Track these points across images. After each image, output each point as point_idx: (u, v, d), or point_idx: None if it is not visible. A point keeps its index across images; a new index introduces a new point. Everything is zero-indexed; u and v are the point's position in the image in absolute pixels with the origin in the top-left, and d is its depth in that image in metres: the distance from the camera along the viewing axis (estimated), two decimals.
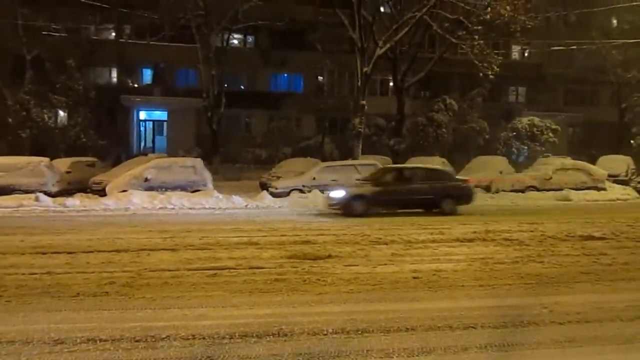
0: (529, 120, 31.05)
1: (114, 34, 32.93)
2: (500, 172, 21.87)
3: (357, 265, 7.64)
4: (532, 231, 11.19)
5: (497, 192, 20.20)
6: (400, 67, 26.48)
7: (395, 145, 26.68)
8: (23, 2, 26.69)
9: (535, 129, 30.71)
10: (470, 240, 9.94)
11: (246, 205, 16.57)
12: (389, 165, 20.00)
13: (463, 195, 15.52)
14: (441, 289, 6.36)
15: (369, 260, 8.08)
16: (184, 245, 9.17)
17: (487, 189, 20.56)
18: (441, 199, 15.06)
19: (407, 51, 26.24)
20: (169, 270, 7.23)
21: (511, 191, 20.21)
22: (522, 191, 20.18)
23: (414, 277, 6.92)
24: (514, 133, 31.01)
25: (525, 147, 31.07)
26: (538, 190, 20.20)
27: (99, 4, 25.29)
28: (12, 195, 16.06)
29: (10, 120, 25.71)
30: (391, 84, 30.80)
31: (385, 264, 7.77)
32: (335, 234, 10.78)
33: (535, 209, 16.92)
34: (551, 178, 20.56)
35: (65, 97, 27.38)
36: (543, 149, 30.01)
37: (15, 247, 8.91)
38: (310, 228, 11.74)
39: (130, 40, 31.94)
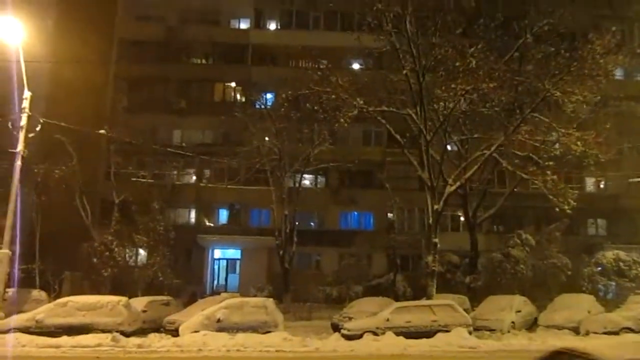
0: (613, 255, 29.33)
1: (194, 177, 35.22)
2: (589, 312, 20.27)
3: None
4: None
5: (587, 335, 18.56)
6: (472, 202, 26.34)
7: (472, 283, 25.70)
8: (116, 151, 29.49)
9: (622, 264, 28.87)
10: None
11: (317, 348, 16.05)
12: None
13: None
14: None
15: None
16: None
17: (575, 330, 19.00)
18: None
19: (477, 187, 26.22)
20: None
21: (603, 333, 18.49)
22: (617, 333, 18.42)
23: None
24: (599, 268, 29.24)
25: (613, 284, 29.02)
26: (635, 332, 18.40)
27: (182, 152, 27.49)
28: (91, 335, 16.41)
29: (95, 260, 27.11)
30: (462, 219, 30.50)
31: None
32: None
33: None
34: None
35: (147, 237, 28.77)
36: (633, 285, 27.91)
37: None
38: None
39: (209, 184, 33.99)
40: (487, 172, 26.01)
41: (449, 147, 26.68)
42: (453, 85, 19.70)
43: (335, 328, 18.82)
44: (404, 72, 21.07)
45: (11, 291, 21.53)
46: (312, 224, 35.03)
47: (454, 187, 22.86)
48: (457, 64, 19.95)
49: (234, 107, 30.34)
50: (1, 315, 17.36)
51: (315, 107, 21.36)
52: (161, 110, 34.60)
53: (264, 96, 34.14)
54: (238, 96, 36.99)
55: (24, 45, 18.17)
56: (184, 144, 34.35)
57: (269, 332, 17.15)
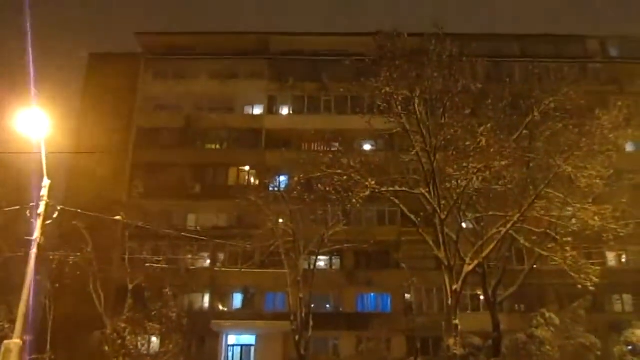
0: None
1: (208, 261, 35.04)
2: None
3: None
4: None
5: None
6: (491, 281, 25.73)
7: None
8: (131, 236, 29.60)
9: None
10: None
11: None
12: None
13: None
14: None
15: None
16: None
17: None
18: None
19: (495, 265, 25.71)
20: None
21: None
22: None
23: None
24: (630, 347, 27.98)
25: None
26: None
27: (196, 236, 27.55)
28: None
29: (106, 348, 26.53)
30: (482, 298, 29.69)
31: None
32: None
33: None
34: None
35: (160, 324, 28.24)
36: None
37: None
38: None
39: (223, 268, 33.77)
40: (504, 249, 25.55)
41: (464, 225, 26.42)
42: (465, 164, 19.82)
43: None
44: (415, 151, 21.32)
45: None
46: (328, 306, 34.31)
47: (472, 266, 22.39)
48: (468, 143, 20.19)
49: (248, 191, 30.63)
50: None
51: (328, 189, 21.48)
52: (176, 195, 35.12)
53: (278, 179, 34.59)
54: (252, 179, 37.58)
55: (46, 135, 18.81)
56: (198, 228, 34.50)
57: None
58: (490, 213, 23.80)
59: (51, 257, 25.78)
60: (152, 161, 35.88)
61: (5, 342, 18.55)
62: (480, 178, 20.42)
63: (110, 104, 36.42)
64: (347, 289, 33.31)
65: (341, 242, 29.84)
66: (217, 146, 39.12)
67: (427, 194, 21.80)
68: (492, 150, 19.76)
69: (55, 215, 19.57)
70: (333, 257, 34.95)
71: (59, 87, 28.93)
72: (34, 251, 18.67)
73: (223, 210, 35.62)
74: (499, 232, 22.31)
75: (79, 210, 22.07)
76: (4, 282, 24.82)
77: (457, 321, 21.51)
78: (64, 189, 31.37)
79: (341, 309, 33.78)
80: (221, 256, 34.93)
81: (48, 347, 26.91)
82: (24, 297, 18.04)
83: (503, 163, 19.66)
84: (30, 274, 18.53)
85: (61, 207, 20.02)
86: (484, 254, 22.79)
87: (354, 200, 20.84)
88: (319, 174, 21.96)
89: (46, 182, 19.46)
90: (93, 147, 32.79)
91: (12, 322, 18.94)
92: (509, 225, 21.81)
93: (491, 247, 22.84)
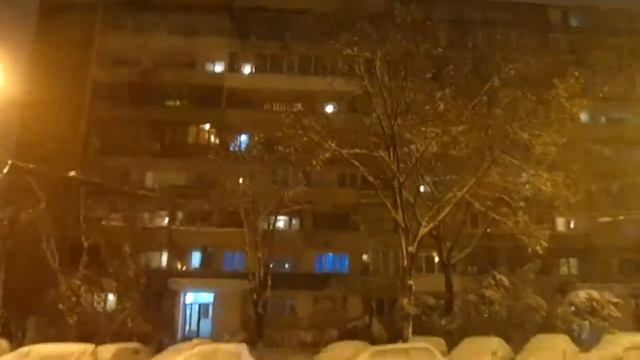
0: (586, 294, 29.50)
1: (167, 220, 34.68)
2: (565, 353, 20.21)
3: None
4: None
5: None
6: (445, 244, 26.44)
7: (447, 326, 25.51)
8: (87, 194, 28.90)
9: (594, 303, 29.01)
10: None
11: None
12: None
13: None
14: None
15: None
16: None
17: None
18: None
19: (450, 229, 26.37)
20: None
21: None
22: None
23: None
24: (573, 308, 29.32)
25: (587, 323, 29.06)
26: None
27: (154, 194, 27.14)
28: None
29: (60, 306, 26.21)
30: (437, 260, 30.53)
31: None
32: None
33: None
34: (622, 359, 18.80)
35: (116, 282, 28.02)
36: (607, 324, 28.02)
37: None
38: None
39: (181, 227, 33.53)
40: (460, 213, 26.22)
41: (422, 189, 26.92)
42: (423, 129, 20.07)
43: None
44: (375, 115, 21.41)
45: None
46: (286, 266, 34.62)
47: (427, 229, 22.97)
48: (427, 107, 20.39)
49: (208, 150, 30.19)
50: None
51: (288, 150, 21.44)
52: (134, 152, 34.29)
53: (239, 138, 34.24)
54: (212, 138, 37.00)
55: None
56: (156, 186, 33.98)
57: None
58: (448, 177, 24.31)
59: (2, 215, 25.08)
60: (109, 117, 34.77)
61: None
62: (438, 143, 20.74)
63: (64, 56, 34.82)
64: (305, 250, 33.59)
65: (301, 203, 29.95)
66: (177, 103, 38.23)
67: (386, 158, 22.04)
68: (450, 115, 20.02)
69: (5, 170, 19.00)
70: (292, 218, 35.09)
71: (7, 36, 27.50)
72: None
73: (182, 168, 35.07)
74: (455, 196, 22.85)
75: (32, 166, 21.46)
76: None
77: (411, 282, 22.20)
78: (15, 143, 30.21)
79: (299, 269, 34.16)
80: (180, 215, 34.60)
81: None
82: None
83: (460, 128, 19.98)
84: None
85: (11, 161, 19.45)
86: (440, 217, 23.37)
87: (315, 162, 20.92)
88: (279, 134, 21.87)
89: None
90: (47, 99, 31.62)
91: None
92: (465, 189, 22.34)
93: (447, 210, 23.42)
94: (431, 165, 24.28)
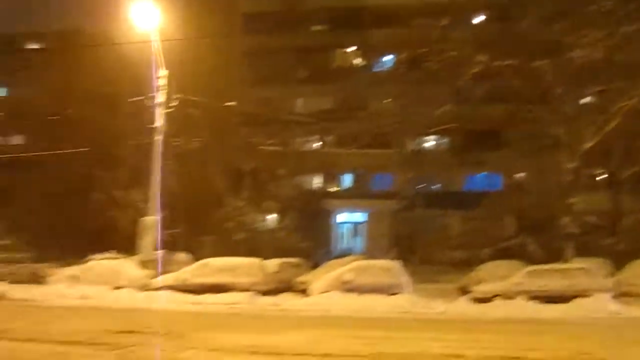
0: None
1: (318, 144, 36.00)
2: None
3: None
4: None
5: None
6: (613, 159, 24.27)
7: (613, 247, 23.85)
8: (245, 122, 30.72)
9: None
10: None
11: (444, 311, 15.95)
12: None
13: None
14: None
15: None
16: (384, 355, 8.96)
17: None
18: None
19: (618, 143, 24.03)
20: None
21: None
22: None
23: None
24: None
25: None
26: None
27: (304, 120, 28.16)
28: (230, 293, 17.73)
29: (229, 225, 28.87)
30: (602, 177, 28.19)
31: None
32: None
33: None
34: None
35: (275, 203, 30.08)
36: None
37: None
38: (516, 339, 10.76)
39: (331, 150, 34.64)
40: (630, 124, 23.64)
41: (584, 100, 24.60)
42: (586, 32, 18.07)
43: (463, 291, 18.51)
44: (530, 20, 19.70)
45: (158, 253, 23.70)
46: (436, 186, 34.32)
47: (591, 143, 21.15)
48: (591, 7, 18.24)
49: (354, 72, 30.28)
50: (153, 275, 19.30)
51: (436, 66, 20.71)
52: (284, 80, 35.54)
53: (384, 59, 33.74)
54: (358, 60, 36.87)
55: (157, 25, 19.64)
56: (306, 112, 35.14)
57: (396, 294, 17.31)
58: (615, 85, 21.82)
59: (174, 144, 27.81)
60: (258, 48, 36.16)
61: (142, 218, 21.03)
62: (604, 47, 18.62)
63: None
64: (455, 169, 32.94)
65: (449, 122, 29.12)
66: (322, 28, 38.38)
67: (543, 67, 20.37)
68: (619, 14, 17.75)
69: (174, 104, 20.91)
70: (441, 137, 34.33)
71: None
72: (157, 138, 20.40)
73: (329, 93, 35.70)
74: (625, 105, 20.56)
75: (196, 99, 23.29)
76: (137, 167, 27.27)
77: (573, 199, 20.89)
78: (175, 81, 32.78)
79: (450, 189, 33.72)
80: (330, 138, 35.65)
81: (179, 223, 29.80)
82: (155, 178, 20.03)
83: (631, 29, 17.66)
84: (158, 158, 20.39)
85: (180, 95, 21.30)
86: (605, 130, 21.31)
87: (464, 78, 20.10)
88: (426, 51, 21.17)
89: (163, 73, 20.70)
90: (202, 35, 33.55)
91: (147, 201, 21.24)
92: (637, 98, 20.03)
93: (614, 122, 21.23)
94: (595, 72, 21.94)
